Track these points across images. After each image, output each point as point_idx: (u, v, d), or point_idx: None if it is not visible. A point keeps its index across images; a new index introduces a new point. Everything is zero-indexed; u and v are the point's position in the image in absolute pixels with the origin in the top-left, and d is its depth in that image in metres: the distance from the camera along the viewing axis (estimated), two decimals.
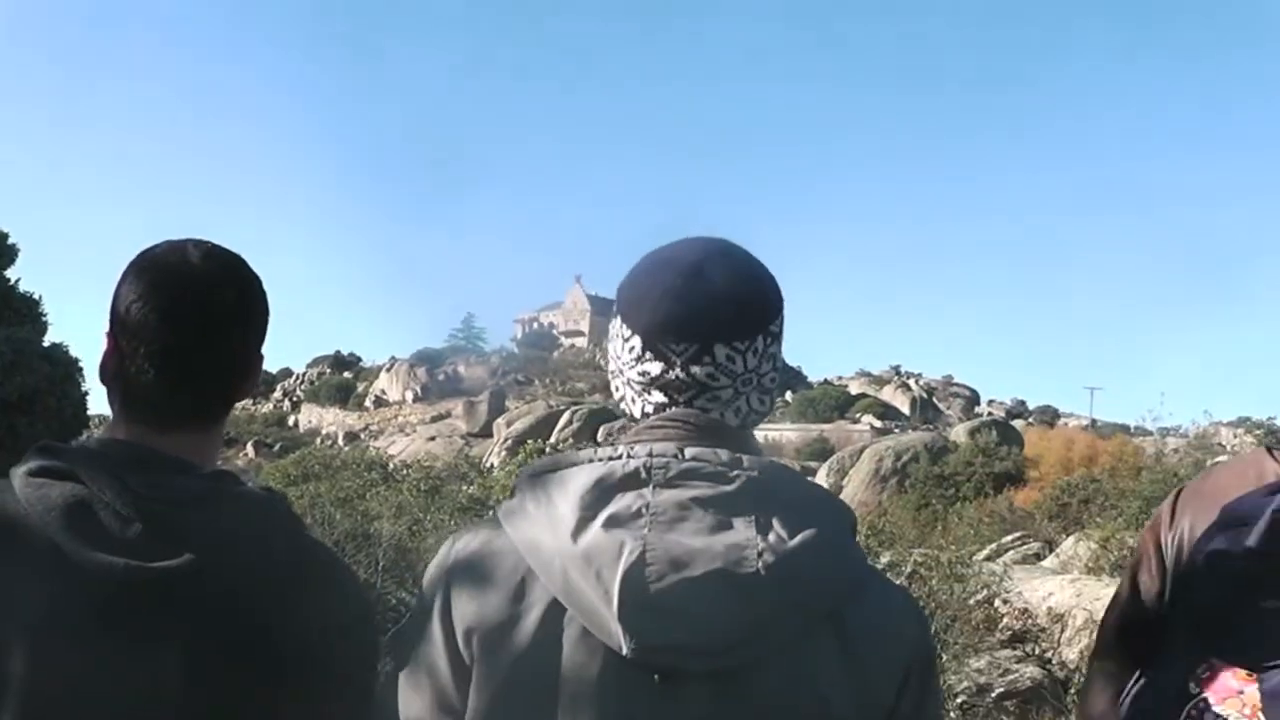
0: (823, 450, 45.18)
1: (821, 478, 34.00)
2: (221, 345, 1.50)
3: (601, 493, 1.34)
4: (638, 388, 1.49)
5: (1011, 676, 9.40)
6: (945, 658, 8.62)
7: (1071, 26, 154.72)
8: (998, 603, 10.79)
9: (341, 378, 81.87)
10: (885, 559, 10.22)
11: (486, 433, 55.95)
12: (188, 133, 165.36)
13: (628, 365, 1.49)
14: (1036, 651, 10.10)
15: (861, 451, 34.93)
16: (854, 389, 69.91)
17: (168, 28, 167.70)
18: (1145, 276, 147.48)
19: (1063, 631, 10.48)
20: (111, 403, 1.51)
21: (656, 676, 1.29)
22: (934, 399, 68.98)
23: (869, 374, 75.67)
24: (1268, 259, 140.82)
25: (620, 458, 1.37)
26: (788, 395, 65.22)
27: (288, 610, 1.41)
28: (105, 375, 1.51)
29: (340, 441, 58.85)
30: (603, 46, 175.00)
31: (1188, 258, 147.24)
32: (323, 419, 75.33)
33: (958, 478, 29.21)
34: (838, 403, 62.90)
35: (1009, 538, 19.14)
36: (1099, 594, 10.68)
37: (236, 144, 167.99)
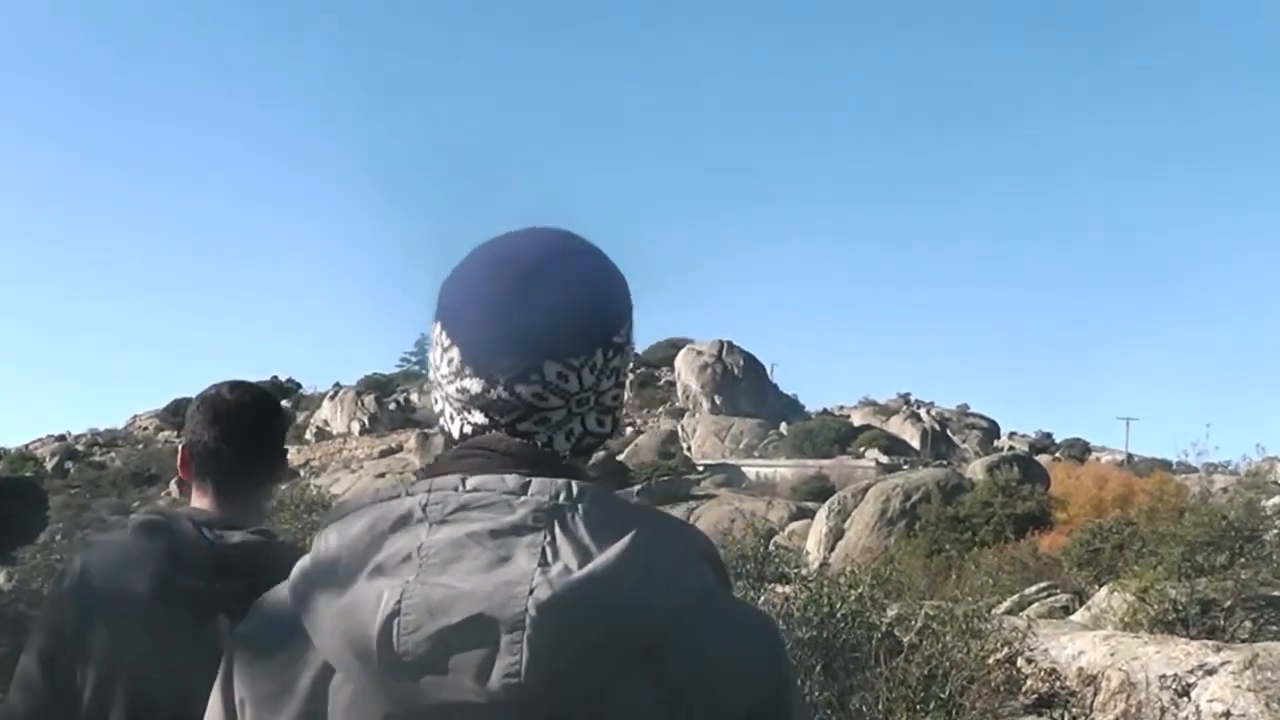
0: (822, 489, 45.18)
1: (820, 520, 34.02)
2: (247, 449, 2.57)
3: (373, 539, 1.31)
4: (457, 405, 1.45)
5: None
6: None
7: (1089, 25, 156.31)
8: (1021, 662, 10.79)
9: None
10: (892, 611, 10.21)
11: None
12: (111, 145, 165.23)
13: (446, 379, 1.45)
14: (1066, 718, 10.07)
15: (865, 490, 34.91)
16: (857, 420, 70.11)
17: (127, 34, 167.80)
18: (1188, 296, 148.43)
19: (1095, 695, 10.47)
20: (190, 487, 2.59)
21: None
22: (947, 431, 69.19)
23: (874, 403, 75.87)
24: None
25: (397, 497, 1.35)
26: (782, 427, 65.37)
27: None
28: (185, 472, 2.59)
29: None
30: (579, 45, 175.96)
31: (1240, 274, 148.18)
32: None
33: (974, 520, 29.23)
34: (838, 435, 63.03)
35: (1033, 588, 19.16)
36: (1136, 653, 10.69)
37: (165, 153, 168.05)
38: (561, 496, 1.31)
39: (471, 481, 1.33)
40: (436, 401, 1.51)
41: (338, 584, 1.29)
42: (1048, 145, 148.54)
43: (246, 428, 2.57)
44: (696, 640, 1.29)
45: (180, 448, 2.59)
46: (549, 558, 1.26)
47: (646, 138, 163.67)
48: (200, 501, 2.56)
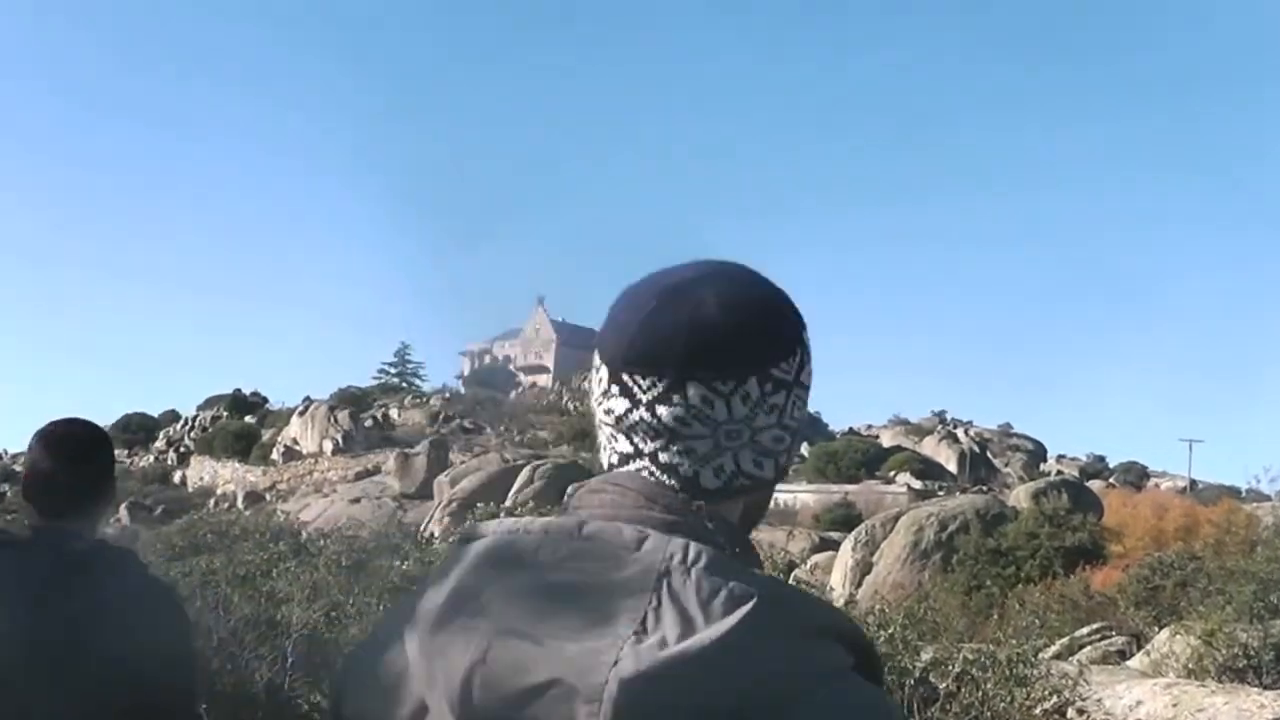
0: (847, 517, 45.09)
1: (846, 552, 33.94)
2: (79, 474, 3.22)
3: (483, 575, 1.38)
4: (606, 431, 1.51)
5: None
6: None
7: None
8: (1071, 713, 10.73)
9: (242, 423, 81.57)
10: (927, 655, 10.16)
11: (425, 493, 55.74)
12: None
13: (596, 402, 1.51)
14: None
15: (896, 519, 34.82)
16: (887, 440, 70.07)
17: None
18: (1255, 301, 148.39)
19: None
20: (32, 506, 3.24)
21: None
22: (988, 453, 69.12)
23: (906, 422, 75.86)
24: None
25: (516, 531, 1.41)
26: (804, 448, 65.24)
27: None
28: (26, 495, 3.24)
29: (240, 504, 58.43)
30: (581, 43, 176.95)
31: None
32: (218, 475, 74.99)
33: (1018, 553, 29.20)
34: (866, 457, 62.99)
35: (1085, 630, 19.13)
36: (1201, 704, 10.64)
37: (107, 155, 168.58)
38: (675, 558, 1.33)
39: (589, 528, 1.38)
40: (596, 431, 1.56)
41: (440, 618, 1.37)
42: (1096, 146, 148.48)
43: (77, 456, 3.25)
44: None
45: (24, 477, 3.36)
46: (648, 626, 1.27)
47: (649, 131, 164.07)
48: (42, 522, 3.25)
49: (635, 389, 1.45)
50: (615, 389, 1.47)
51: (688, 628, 1.26)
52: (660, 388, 1.43)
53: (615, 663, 1.24)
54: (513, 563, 1.37)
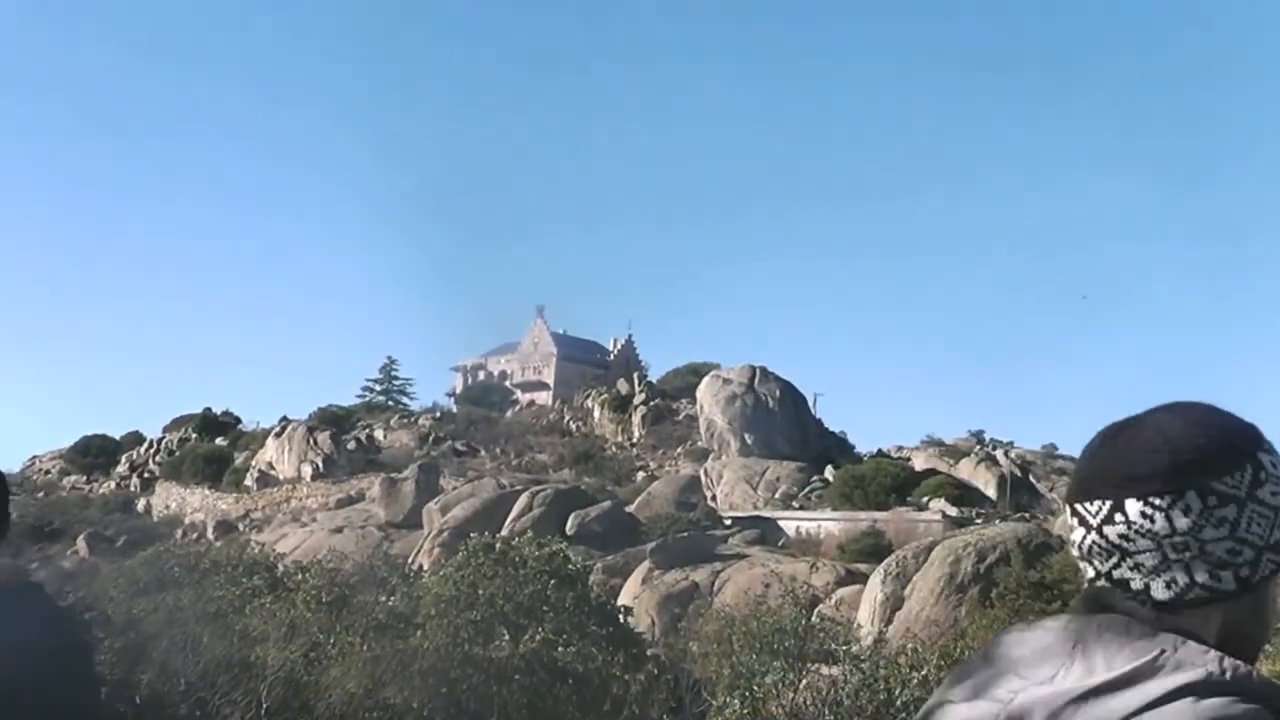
0: (875, 548, 44.88)
1: (875, 585, 33.83)
2: None
3: (963, 669, 1.81)
4: (1076, 559, 1.84)
5: None
6: None
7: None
8: None
9: (212, 445, 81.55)
10: None
11: (413, 522, 55.77)
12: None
13: (1064, 533, 1.78)
14: None
15: (930, 549, 34.75)
16: (919, 463, 69.83)
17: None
18: None
19: None
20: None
21: None
22: (1031, 477, 68.87)
23: (940, 443, 75.59)
24: None
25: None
26: (828, 472, 65.12)
27: None
28: None
29: (210, 534, 58.55)
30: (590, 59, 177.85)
31: None
32: (185, 502, 74.98)
33: (1065, 586, 29.06)
34: (896, 482, 62.68)
35: None
36: None
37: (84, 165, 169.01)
38: (1094, 627, 1.69)
39: (1040, 621, 1.77)
40: None
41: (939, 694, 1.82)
42: (1107, 147, 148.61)
43: None
44: None
45: None
46: (1056, 677, 1.64)
47: (650, 133, 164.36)
48: None
49: (1086, 515, 1.78)
50: (1074, 520, 1.80)
51: (1087, 675, 1.60)
52: (1105, 510, 1.75)
53: (1012, 699, 1.64)
54: (985, 652, 1.78)
